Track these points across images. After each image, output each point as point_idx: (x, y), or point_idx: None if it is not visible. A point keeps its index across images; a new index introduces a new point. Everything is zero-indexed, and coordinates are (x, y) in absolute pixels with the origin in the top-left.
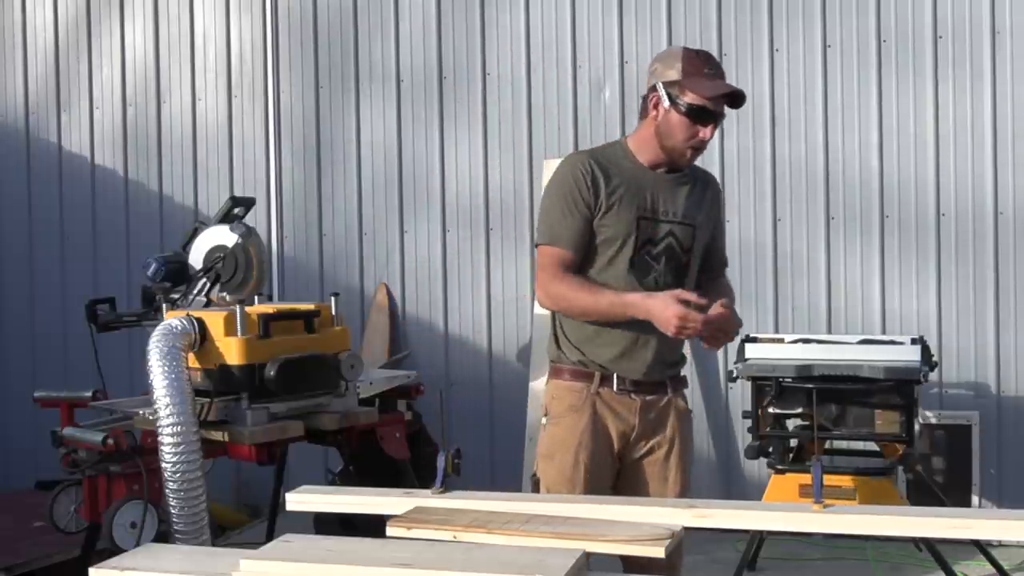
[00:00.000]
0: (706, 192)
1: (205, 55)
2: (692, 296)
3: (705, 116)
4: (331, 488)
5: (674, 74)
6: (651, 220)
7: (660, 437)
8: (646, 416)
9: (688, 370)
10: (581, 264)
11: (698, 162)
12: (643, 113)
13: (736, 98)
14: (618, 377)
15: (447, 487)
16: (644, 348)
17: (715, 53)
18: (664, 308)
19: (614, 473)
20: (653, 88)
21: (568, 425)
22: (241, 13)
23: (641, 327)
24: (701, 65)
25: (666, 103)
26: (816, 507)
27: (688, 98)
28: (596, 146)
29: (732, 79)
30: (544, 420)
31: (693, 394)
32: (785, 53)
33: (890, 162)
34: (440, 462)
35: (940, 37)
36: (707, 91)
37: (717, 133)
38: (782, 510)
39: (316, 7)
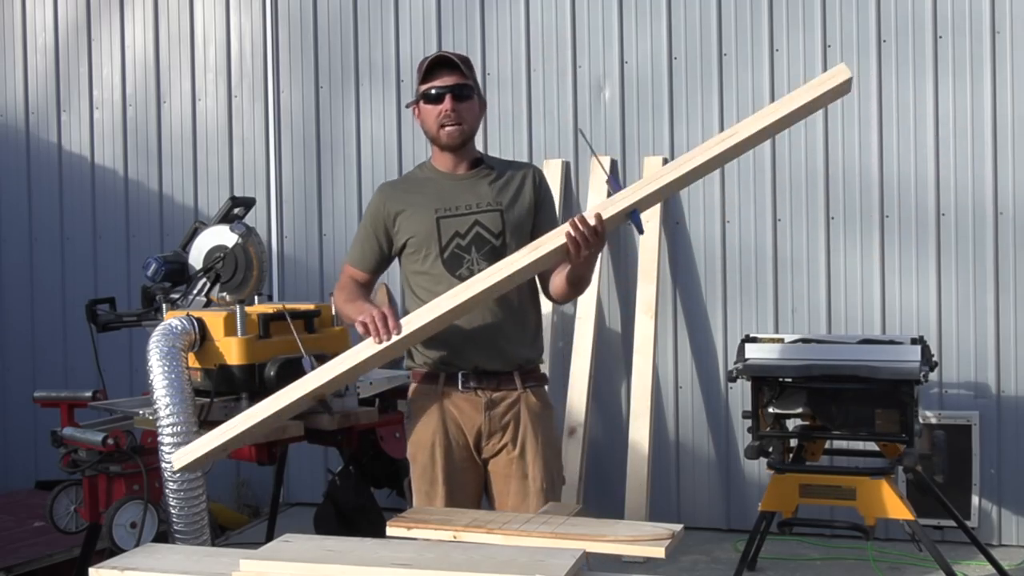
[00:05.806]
0: (516, 178)
1: (205, 55)
2: (391, 324)
3: (434, 95)
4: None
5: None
6: (452, 216)
7: (510, 433)
8: (492, 412)
9: (687, 369)
10: (374, 277)
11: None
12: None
13: (445, 62)
14: (462, 375)
15: None
16: (478, 340)
17: (715, 53)
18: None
19: (480, 471)
20: None
21: (422, 427)
22: (241, 13)
23: (473, 320)
24: (423, 63)
25: (415, 102)
26: None
27: (419, 90)
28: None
29: (732, 79)
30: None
31: (693, 394)
32: (785, 53)
33: (890, 162)
34: None
35: (940, 37)
36: (422, 73)
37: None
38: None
39: (316, 7)
